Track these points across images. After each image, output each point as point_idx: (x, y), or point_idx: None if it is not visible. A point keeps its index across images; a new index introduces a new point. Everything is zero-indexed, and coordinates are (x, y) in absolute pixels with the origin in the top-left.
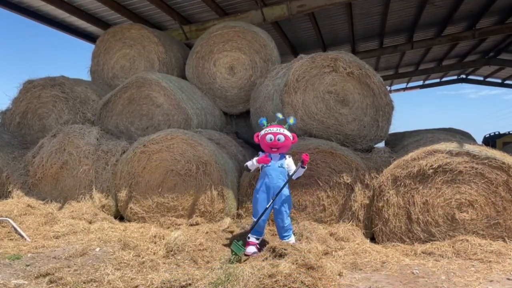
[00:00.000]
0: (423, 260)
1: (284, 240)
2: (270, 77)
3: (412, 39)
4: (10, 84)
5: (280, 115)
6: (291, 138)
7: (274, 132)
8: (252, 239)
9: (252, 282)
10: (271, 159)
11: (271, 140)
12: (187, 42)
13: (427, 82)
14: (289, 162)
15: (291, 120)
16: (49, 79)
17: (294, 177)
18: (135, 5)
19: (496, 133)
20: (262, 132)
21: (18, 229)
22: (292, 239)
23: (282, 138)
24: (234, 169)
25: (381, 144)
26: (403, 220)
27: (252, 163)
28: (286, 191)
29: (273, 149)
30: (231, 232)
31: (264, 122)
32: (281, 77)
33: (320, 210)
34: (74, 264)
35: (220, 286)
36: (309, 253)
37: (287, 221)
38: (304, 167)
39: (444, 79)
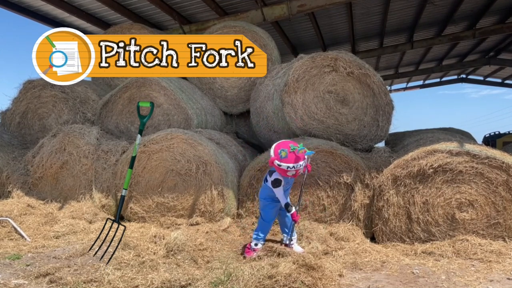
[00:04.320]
0: (423, 259)
1: (291, 244)
2: (270, 76)
3: (412, 39)
4: (10, 84)
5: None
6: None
7: (297, 169)
8: (259, 245)
9: (252, 282)
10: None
11: (293, 174)
12: None
13: (427, 81)
14: None
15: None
16: None
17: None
18: (135, 5)
19: (496, 133)
20: (285, 166)
21: (18, 229)
22: (296, 245)
23: (302, 169)
24: (234, 169)
25: (381, 144)
26: (403, 220)
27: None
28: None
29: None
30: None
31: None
32: (281, 77)
33: (320, 210)
34: (74, 264)
35: (220, 286)
36: (309, 253)
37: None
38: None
39: (444, 78)
